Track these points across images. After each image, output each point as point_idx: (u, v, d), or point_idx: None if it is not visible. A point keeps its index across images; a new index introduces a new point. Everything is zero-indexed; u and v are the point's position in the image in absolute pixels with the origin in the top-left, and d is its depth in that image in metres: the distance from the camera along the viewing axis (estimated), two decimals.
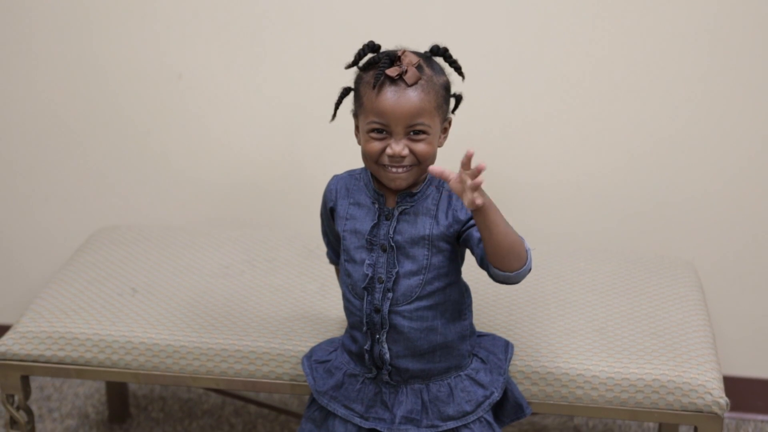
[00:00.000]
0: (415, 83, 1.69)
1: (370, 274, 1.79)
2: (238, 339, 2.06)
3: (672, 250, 2.55)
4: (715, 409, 1.93)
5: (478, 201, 1.61)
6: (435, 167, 1.63)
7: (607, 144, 2.55)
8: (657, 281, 2.28)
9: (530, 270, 1.72)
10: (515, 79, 2.53)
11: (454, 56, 1.76)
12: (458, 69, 1.76)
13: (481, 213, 1.64)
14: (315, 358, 1.94)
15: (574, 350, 2.01)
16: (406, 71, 1.68)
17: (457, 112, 1.81)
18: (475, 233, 1.73)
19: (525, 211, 2.57)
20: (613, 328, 2.09)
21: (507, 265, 1.69)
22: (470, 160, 1.61)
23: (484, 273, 2.24)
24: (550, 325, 2.10)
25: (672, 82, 2.48)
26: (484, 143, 2.54)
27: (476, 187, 1.60)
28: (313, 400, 1.93)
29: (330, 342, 1.98)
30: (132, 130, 2.69)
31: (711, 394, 1.93)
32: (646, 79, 2.48)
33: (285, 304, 2.18)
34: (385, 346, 1.81)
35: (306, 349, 2.02)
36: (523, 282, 2.21)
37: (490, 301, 2.18)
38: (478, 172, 1.59)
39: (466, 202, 1.62)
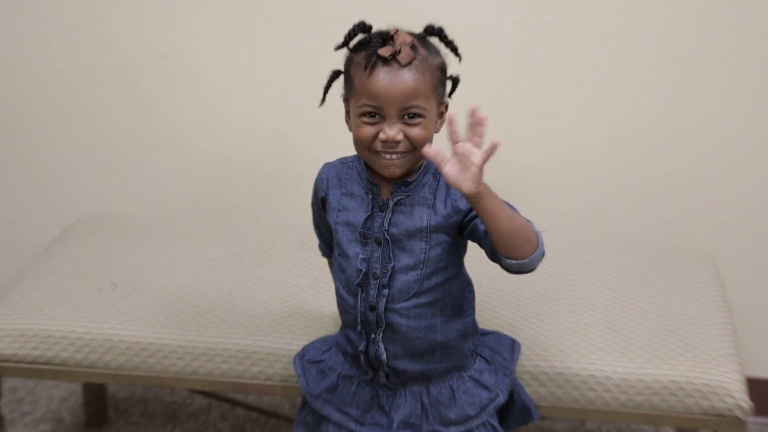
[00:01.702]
0: (409, 63, 1.68)
1: (364, 270, 1.78)
2: (225, 337, 2.05)
3: (690, 242, 2.54)
4: (738, 412, 1.92)
5: (476, 188, 1.58)
6: (429, 148, 1.61)
7: (619, 127, 2.53)
8: (674, 275, 2.26)
9: (544, 254, 1.70)
10: (518, 57, 2.51)
11: (450, 36, 1.75)
12: (455, 49, 1.75)
13: (480, 200, 1.62)
14: (308, 358, 1.93)
15: (586, 349, 2.00)
16: (400, 51, 1.67)
17: (454, 95, 1.79)
18: (481, 225, 1.71)
19: (531, 200, 2.56)
20: (627, 326, 2.08)
21: (518, 253, 1.67)
22: (481, 122, 1.57)
23: (487, 266, 2.23)
24: (559, 322, 2.08)
25: (686, 64, 2.46)
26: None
27: (484, 161, 1.58)
28: (305, 403, 1.92)
29: (324, 340, 1.96)
30: (113, 113, 2.68)
31: (733, 397, 1.92)
32: (661, 61, 2.47)
33: (276, 300, 2.16)
34: (382, 346, 1.80)
35: (298, 348, 2.00)
36: (529, 276, 2.21)
37: (494, 297, 2.16)
38: (493, 149, 1.57)
39: (465, 187, 1.59)
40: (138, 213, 2.71)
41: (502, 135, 2.53)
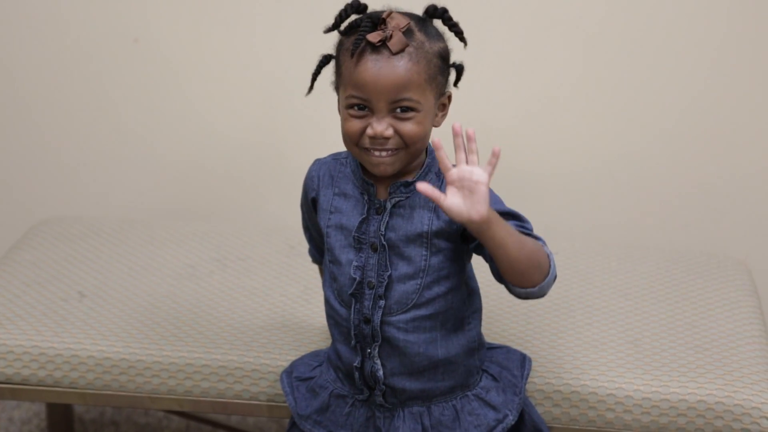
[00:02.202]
0: (401, 51, 1.67)
1: (358, 278, 1.79)
2: (205, 352, 2.06)
3: (721, 247, 2.56)
4: None
5: (486, 212, 1.59)
6: (422, 185, 1.61)
7: (641, 123, 2.55)
8: (702, 284, 2.28)
9: (555, 279, 1.72)
10: (531, 48, 2.52)
11: (455, 18, 1.75)
12: (459, 33, 1.74)
13: (488, 228, 1.62)
14: (296, 375, 1.94)
15: (604, 366, 2.01)
16: (391, 36, 1.67)
17: (460, 85, 1.79)
18: (486, 251, 1.73)
19: (545, 204, 2.58)
20: (650, 340, 2.09)
21: (527, 281, 1.68)
22: (471, 137, 1.59)
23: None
24: (575, 336, 2.10)
25: (717, 55, 2.48)
26: (494, 126, 2.54)
27: (490, 174, 1.59)
28: (293, 425, 1.93)
29: (314, 355, 1.97)
30: (80, 102, 2.69)
31: None
32: (686, 51, 2.49)
33: (261, 311, 2.18)
34: (378, 362, 1.80)
35: (286, 364, 2.02)
36: None
37: (504, 308, 2.18)
38: (496, 158, 1.58)
39: (475, 214, 1.59)
40: (107, 215, 2.72)
41: (510, 134, 2.56)
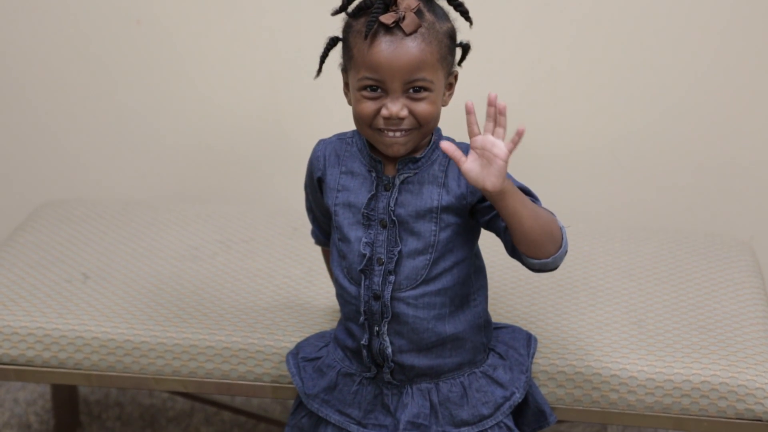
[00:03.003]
0: (414, 32, 1.69)
1: (367, 254, 1.80)
2: (209, 333, 2.06)
3: (725, 228, 2.56)
4: None
5: (500, 184, 1.61)
6: (446, 143, 1.64)
7: (645, 104, 2.55)
8: (707, 265, 2.28)
9: (566, 252, 1.74)
10: (533, 27, 2.52)
11: None
12: (465, 13, 1.76)
13: (503, 198, 1.65)
14: (302, 356, 1.94)
15: (608, 347, 2.01)
16: (404, 17, 1.68)
17: (464, 64, 1.81)
18: (500, 222, 1.74)
19: (548, 185, 2.58)
20: (654, 321, 2.09)
21: (542, 252, 1.70)
22: (502, 110, 1.61)
23: (501, 255, 2.25)
24: (579, 317, 2.10)
25: (722, 33, 2.47)
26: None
27: (510, 152, 1.61)
28: (299, 405, 1.94)
29: (320, 336, 1.98)
30: (83, 85, 2.68)
31: None
32: (690, 29, 2.48)
33: (265, 293, 2.18)
34: (387, 339, 1.81)
35: (291, 345, 2.02)
36: None
37: (508, 289, 2.18)
38: (519, 137, 1.60)
39: (489, 184, 1.62)
40: (110, 197, 2.72)
41: (515, 114, 2.55)
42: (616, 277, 2.23)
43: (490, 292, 2.07)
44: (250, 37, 2.60)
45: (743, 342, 2.03)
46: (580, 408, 1.98)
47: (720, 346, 2.02)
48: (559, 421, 2.02)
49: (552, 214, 1.72)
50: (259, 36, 2.59)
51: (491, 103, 1.62)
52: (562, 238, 1.72)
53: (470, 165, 1.64)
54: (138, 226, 2.41)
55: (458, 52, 1.78)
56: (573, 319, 2.09)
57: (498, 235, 1.77)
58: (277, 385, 2.04)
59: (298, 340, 2.02)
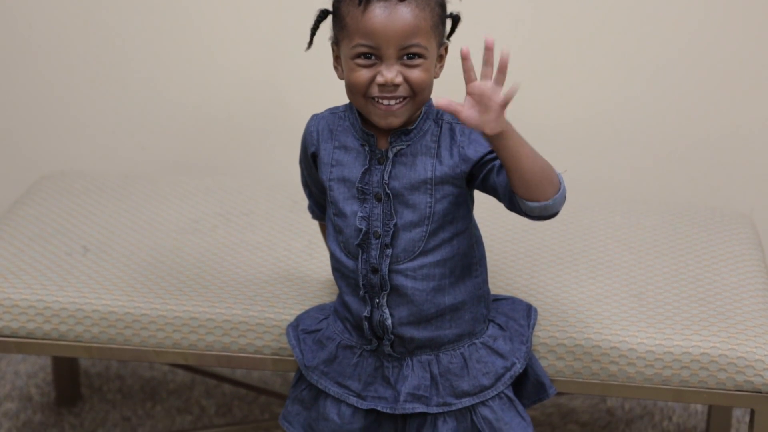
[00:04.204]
0: None
1: (364, 228, 1.80)
2: (210, 306, 2.07)
3: (725, 201, 2.56)
4: None
5: (499, 128, 1.61)
6: (440, 98, 1.63)
7: (645, 76, 2.54)
8: (707, 238, 2.28)
9: (565, 198, 1.73)
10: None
11: None
12: None
13: (503, 138, 1.65)
14: (302, 328, 1.95)
15: (608, 319, 2.02)
16: None
17: (459, 36, 1.80)
18: (495, 174, 1.74)
19: (549, 156, 2.56)
20: (654, 293, 2.10)
21: (541, 194, 1.69)
22: (505, 59, 1.60)
23: (500, 228, 2.25)
24: (578, 289, 2.10)
25: (724, 6, 2.46)
26: None
27: (507, 101, 1.61)
28: (300, 378, 1.94)
29: (320, 309, 1.99)
30: (80, 55, 2.68)
31: None
32: (699, 11, 2.47)
33: (266, 265, 2.18)
34: (386, 311, 1.82)
35: (291, 318, 2.02)
36: (546, 239, 2.23)
37: (508, 262, 2.18)
38: (504, 65, 1.59)
39: (488, 128, 1.62)
40: (111, 169, 2.72)
41: (510, 82, 2.55)
42: (616, 249, 2.23)
43: (489, 265, 2.07)
44: (250, 10, 2.59)
45: (743, 314, 2.04)
46: (580, 380, 1.99)
47: (719, 319, 2.02)
48: (559, 394, 2.03)
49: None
50: (259, 8, 2.59)
51: (489, 47, 1.61)
52: (560, 182, 1.71)
53: (468, 112, 1.63)
54: (138, 199, 2.41)
55: (449, 24, 1.78)
56: (573, 291, 2.09)
57: (494, 191, 1.76)
58: (278, 357, 2.04)
59: (299, 312, 2.02)
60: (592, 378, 1.99)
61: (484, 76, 1.63)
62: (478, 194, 1.84)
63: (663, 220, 2.34)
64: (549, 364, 1.98)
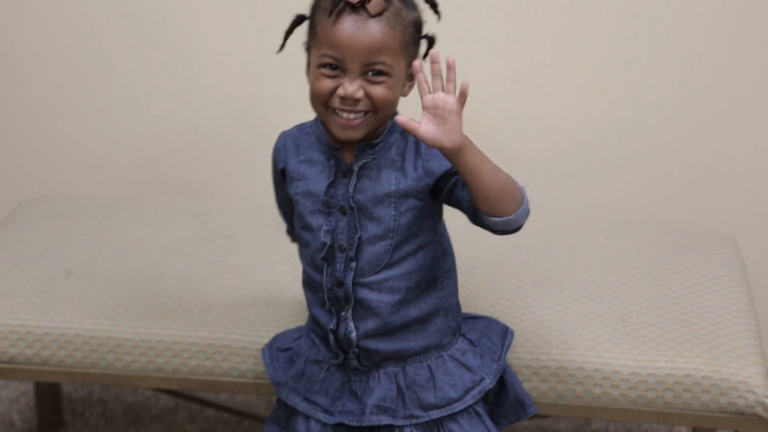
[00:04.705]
0: (380, 14, 1.70)
1: (328, 242, 1.81)
2: (193, 330, 2.06)
3: (708, 222, 2.57)
4: (760, 410, 1.95)
5: (459, 140, 1.61)
6: (400, 117, 1.64)
7: (627, 94, 2.55)
8: (690, 259, 2.29)
9: (529, 211, 1.73)
10: (515, 21, 2.52)
11: None
12: (434, 5, 1.77)
13: (462, 153, 1.65)
14: (277, 346, 1.96)
15: (591, 341, 2.02)
16: None
17: (417, 61, 1.80)
18: (459, 188, 1.74)
19: (531, 177, 2.58)
20: (638, 315, 2.10)
21: (503, 209, 1.69)
22: (451, 65, 1.60)
23: (483, 248, 2.25)
24: (562, 311, 2.11)
25: (705, 30, 2.48)
26: (478, 101, 2.54)
27: (462, 101, 1.61)
28: (279, 401, 1.94)
29: (298, 329, 2.00)
30: (64, 78, 2.68)
31: (754, 393, 1.95)
32: (673, 26, 2.49)
33: (249, 288, 2.18)
34: (351, 324, 1.82)
35: None
36: (531, 260, 2.23)
37: (491, 283, 2.18)
38: (450, 69, 1.60)
39: (447, 141, 1.62)
40: (93, 192, 2.72)
41: (498, 109, 2.55)
42: (599, 270, 2.24)
43: (473, 287, 2.08)
44: (232, 31, 2.60)
45: (726, 335, 2.04)
46: (564, 403, 1.99)
47: (703, 340, 2.03)
48: (543, 416, 2.03)
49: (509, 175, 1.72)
50: (241, 30, 2.59)
51: (435, 61, 1.62)
52: (523, 197, 1.71)
53: (426, 127, 1.63)
54: (121, 222, 2.41)
55: (423, 45, 1.78)
56: (557, 312, 2.10)
57: (459, 204, 1.76)
58: (261, 381, 2.04)
59: None
60: (576, 400, 1.99)
61: (436, 88, 1.64)
62: (460, 216, 1.84)
63: (646, 241, 2.35)
64: (533, 387, 1.98)
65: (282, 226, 2.32)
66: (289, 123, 2.55)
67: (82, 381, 2.09)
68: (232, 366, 2.04)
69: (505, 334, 1.93)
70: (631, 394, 1.97)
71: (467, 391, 1.85)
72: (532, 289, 2.17)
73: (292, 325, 2.06)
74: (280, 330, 2.04)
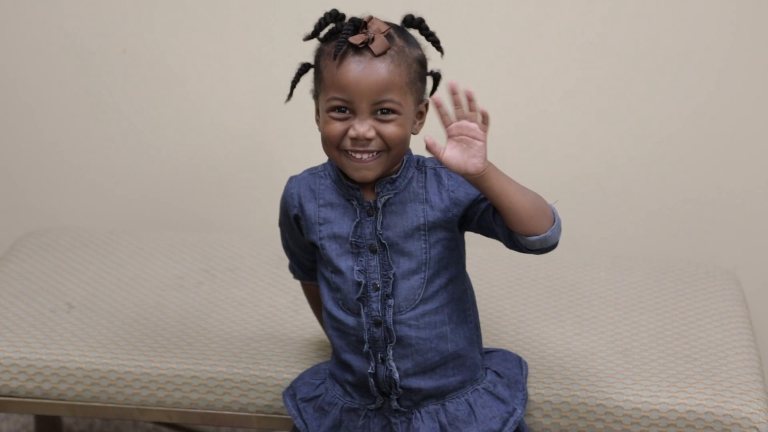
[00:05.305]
0: (384, 53, 1.71)
1: (363, 282, 1.80)
2: (194, 363, 2.06)
3: (710, 257, 2.57)
4: None
5: (483, 165, 1.63)
6: (430, 138, 1.65)
7: (630, 133, 2.56)
8: (692, 294, 2.29)
9: (561, 227, 1.74)
10: (519, 57, 2.53)
11: (441, 25, 1.78)
12: (436, 43, 1.77)
13: (487, 179, 1.67)
14: (300, 396, 1.93)
15: (594, 376, 2.02)
16: (373, 39, 1.70)
17: (436, 95, 1.81)
18: (491, 217, 1.75)
19: None
20: (640, 350, 2.10)
21: (537, 227, 1.70)
22: (470, 95, 1.63)
23: (485, 283, 2.25)
24: (564, 345, 2.11)
25: (708, 60, 2.49)
26: None
27: (485, 124, 1.63)
28: None
29: (313, 373, 1.97)
30: (67, 112, 2.69)
31: (757, 429, 1.94)
32: (675, 61, 2.50)
33: (251, 322, 2.18)
34: (393, 364, 1.81)
35: (276, 375, 2.02)
36: (532, 295, 2.24)
37: (494, 318, 2.18)
38: (470, 99, 1.63)
39: (471, 167, 1.64)
40: (95, 225, 2.72)
41: (500, 143, 2.56)
42: (601, 305, 2.24)
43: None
44: (234, 67, 2.61)
45: (728, 371, 2.04)
46: None
47: (705, 376, 2.02)
48: None
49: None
50: (243, 67, 2.60)
51: (454, 92, 1.64)
52: (554, 213, 1.73)
53: (450, 152, 1.65)
54: (122, 255, 2.41)
55: (430, 82, 1.80)
56: (559, 347, 2.10)
57: (492, 232, 1.77)
58: (262, 415, 2.04)
59: (284, 369, 2.02)
60: None
61: (459, 116, 1.66)
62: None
63: (647, 276, 2.35)
64: (535, 422, 1.98)
65: (284, 260, 2.32)
66: (290, 157, 2.57)
67: (82, 414, 2.08)
68: (233, 399, 2.04)
69: (520, 363, 1.94)
70: (634, 430, 1.97)
71: (504, 422, 1.86)
72: (534, 324, 2.17)
73: (293, 359, 2.05)
74: (281, 363, 2.04)
